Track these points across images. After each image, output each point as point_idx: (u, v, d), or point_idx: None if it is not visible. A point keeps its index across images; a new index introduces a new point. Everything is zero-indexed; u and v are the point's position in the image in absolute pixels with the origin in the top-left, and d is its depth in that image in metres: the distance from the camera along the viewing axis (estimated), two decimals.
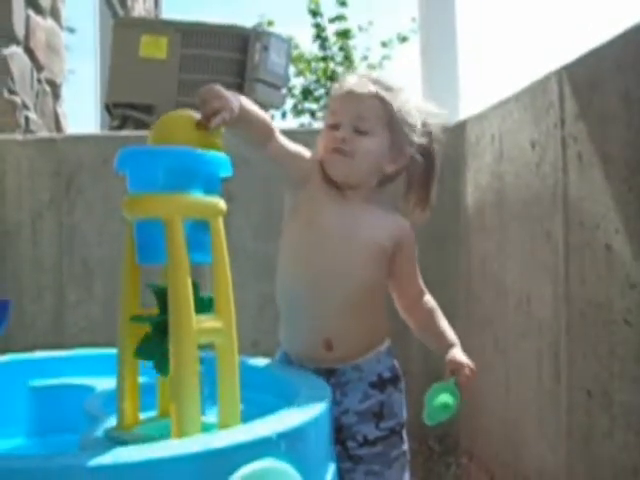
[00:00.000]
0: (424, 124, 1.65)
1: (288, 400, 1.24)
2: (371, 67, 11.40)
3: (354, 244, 1.58)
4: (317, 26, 11.46)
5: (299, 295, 1.59)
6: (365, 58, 11.70)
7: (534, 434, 2.09)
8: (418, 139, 1.63)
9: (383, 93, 1.60)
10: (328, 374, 1.56)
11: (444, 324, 1.66)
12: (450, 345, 1.61)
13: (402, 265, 1.64)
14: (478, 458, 2.57)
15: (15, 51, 3.57)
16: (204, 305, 1.16)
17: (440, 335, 1.64)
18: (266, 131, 1.51)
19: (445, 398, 1.49)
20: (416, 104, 1.66)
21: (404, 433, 1.64)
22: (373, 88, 1.60)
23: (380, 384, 1.60)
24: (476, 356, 2.56)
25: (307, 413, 1.16)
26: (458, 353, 1.59)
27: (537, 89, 2.04)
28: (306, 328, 1.59)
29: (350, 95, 1.60)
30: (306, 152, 1.63)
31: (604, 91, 1.68)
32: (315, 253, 1.58)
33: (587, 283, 1.76)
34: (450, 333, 1.64)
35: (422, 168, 1.66)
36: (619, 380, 1.63)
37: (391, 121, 1.60)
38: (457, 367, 1.55)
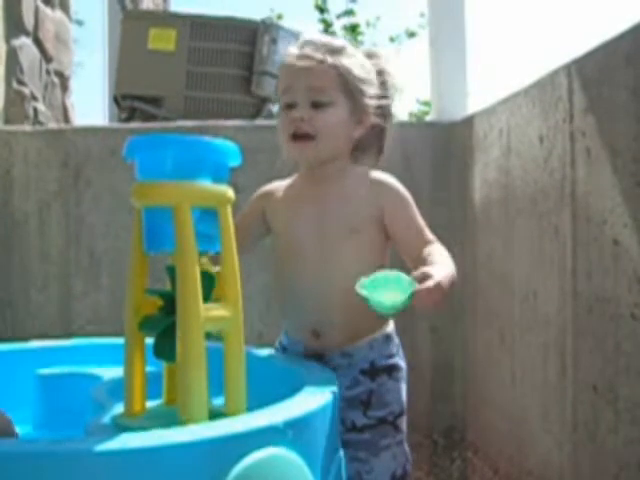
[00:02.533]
0: (379, 72, 1.62)
1: (295, 390, 1.24)
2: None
3: (324, 235, 1.55)
4: (324, 22, 11.47)
5: (287, 291, 1.63)
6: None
7: (539, 428, 2.09)
8: (375, 92, 1.59)
9: (332, 57, 1.52)
10: (317, 359, 1.57)
11: (439, 257, 1.48)
12: (433, 263, 1.43)
13: (393, 225, 1.56)
14: (483, 452, 2.57)
15: (24, 42, 3.58)
16: (204, 280, 1.15)
17: (428, 261, 1.46)
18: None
19: (390, 279, 1.33)
20: (362, 58, 1.60)
21: (401, 422, 1.60)
22: (320, 55, 1.52)
23: (371, 372, 1.57)
24: (482, 350, 2.57)
25: (314, 402, 1.16)
26: (436, 269, 1.38)
27: (546, 83, 2.03)
28: (295, 320, 1.63)
29: (299, 68, 1.52)
30: (249, 215, 1.68)
31: (613, 85, 1.67)
32: (293, 252, 1.59)
33: (594, 278, 1.76)
34: (441, 266, 1.43)
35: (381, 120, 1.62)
36: (625, 375, 1.63)
37: (347, 84, 1.53)
38: (423, 276, 1.35)
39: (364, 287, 1.33)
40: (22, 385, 1.61)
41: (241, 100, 3.52)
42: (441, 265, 1.44)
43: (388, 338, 1.63)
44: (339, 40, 1.59)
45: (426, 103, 9.91)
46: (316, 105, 1.52)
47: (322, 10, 11.44)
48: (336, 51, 1.54)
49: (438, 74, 3.07)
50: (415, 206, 1.59)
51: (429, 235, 1.58)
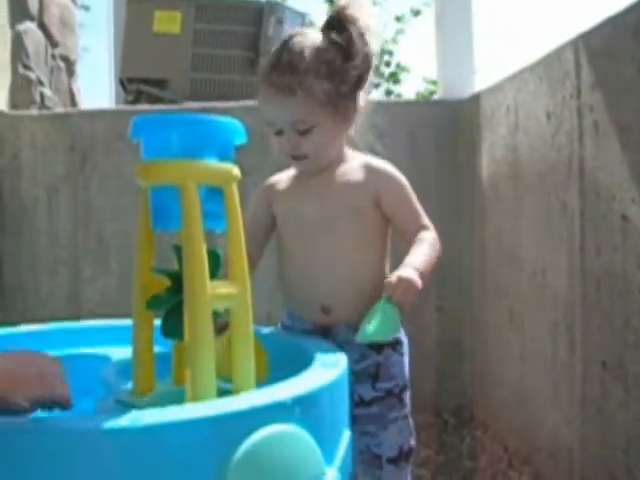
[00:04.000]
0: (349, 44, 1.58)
1: (303, 367, 1.25)
2: (385, 42, 11.30)
3: (327, 212, 1.60)
4: (331, 2, 11.42)
5: (294, 270, 1.66)
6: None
7: (548, 405, 2.09)
8: (351, 90, 1.58)
9: (300, 83, 1.52)
10: (325, 333, 1.60)
11: (415, 250, 1.54)
12: (401, 266, 1.49)
13: (390, 210, 1.62)
14: (492, 430, 2.58)
15: (29, 27, 3.57)
16: (211, 259, 1.15)
17: (404, 260, 1.52)
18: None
19: (373, 316, 1.41)
20: (321, 43, 1.57)
21: (405, 397, 1.64)
22: (288, 84, 1.53)
23: (377, 345, 1.59)
24: (491, 328, 2.57)
25: (322, 379, 1.17)
26: (399, 270, 1.47)
27: (553, 59, 2.02)
28: (304, 298, 1.65)
29: (275, 102, 1.56)
30: (254, 212, 1.70)
31: (620, 60, 1.66)
32: (299, 229, 1.63)
33: (603, 254, 1.75)
34: (411, 257, 1.52)
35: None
36: (634, 351, 1.63)
37: (323, 97, 1.55)
38: (389, 283, 1.44)
39: (361, 337, 1.41)
40: None
41: (247, 81, 3.51)
42: (413, 257, 1.52)
43: None
44: (307, 48, 1.56)
45: (433, 82, 9.87)
46: (302, 132, 1.57)
47: None
48: (304, 72, 1.53)
49: (444, 52, 3.06)
50: (412, 192, 1.64)
51: (424, 221, 1.62)
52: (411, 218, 1.62)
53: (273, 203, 1.70)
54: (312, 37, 1.60)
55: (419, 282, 1.44)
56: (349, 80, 1.57)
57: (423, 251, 1.54)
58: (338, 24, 1.59)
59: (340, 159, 1.65)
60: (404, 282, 1.42)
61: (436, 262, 1.56)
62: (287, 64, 1.55)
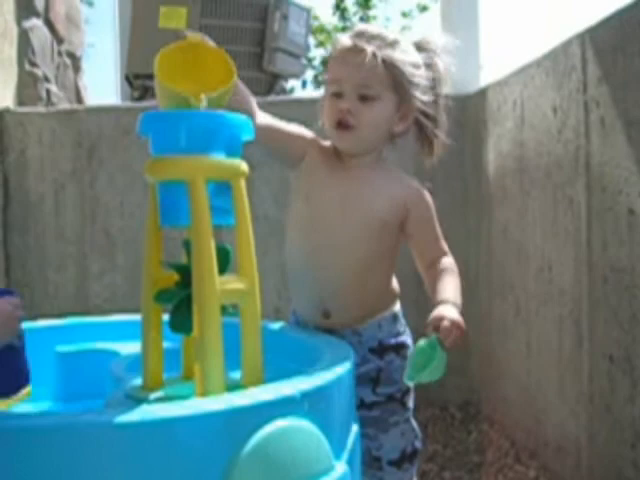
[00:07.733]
0: (427, 65, 1.59)
1: (311, 362, 1.25)
2: None
3: (351, 219, 1.55)
4: None
5: (299, 267, 1.61)
6: (385, 28, 11.64)
7: (555, 400, 2.10)
8: (423, 92, 1.57)
9: (383, 52, 1.52)
10: (328, 334, 1.56)
11: (448, 282, 1.52)
12: (442, 302, 1.45)
13: (414, 229, 1.58)
14: (499, 424, 2.58)
15: (35, 23, 3.57)
16: (220, 254, 1.16)
17: (438, 292, 1.49)
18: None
19: (422, 355, 1.37)
20: (414, 53, 1.59)
21: (408, 400, 1.62)
22: (373, 49, 1.51)
23: (380, 350, 1.58)
24: (498, 323, 2.58)
25: (330, 373, 1.17)
26: (444, 309, 1.42)
27: (559, 53, 2.02)
28: (306, 297, 1.61)
29: (350, 62, 1.53)
30: (298, 130, 1.61)
31: (627, 54, 1.66)
32: (313, 228, 1.58)
33: (609, 248, 1.75)
34: (449, 291, 1.49)
35: (428, 120, 1.60)
36: None
37: (395, 80, 1.54)
38: (437, 322, 1.38)
39: (410, 378, 1.38)
40: (41, 363, 1.62)
41: (253, 77, 3.52)
42: (451, 292, 1.49)
43: (395, 317, 1.63)
44: (392, 33, 1.58)
45: None
46: (363, 98, 1.54)
47: None
48: (389, 45, 1.54)
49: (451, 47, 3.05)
50: (435, 216, 1.62)
51: (444, 246, 1.60)
52: (432, 240, 1.60)
53: (304, 161, 1.61)
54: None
55: (464, 325, 1.40)
56: (420, 90, 1.57)
57: (455, 285, 1.52)
58: (422, 46, 1.62)
59: (375, 159, 1.61)
60: (456, 327, 1.38)
61: None
62: (378, 33, 1.56)
